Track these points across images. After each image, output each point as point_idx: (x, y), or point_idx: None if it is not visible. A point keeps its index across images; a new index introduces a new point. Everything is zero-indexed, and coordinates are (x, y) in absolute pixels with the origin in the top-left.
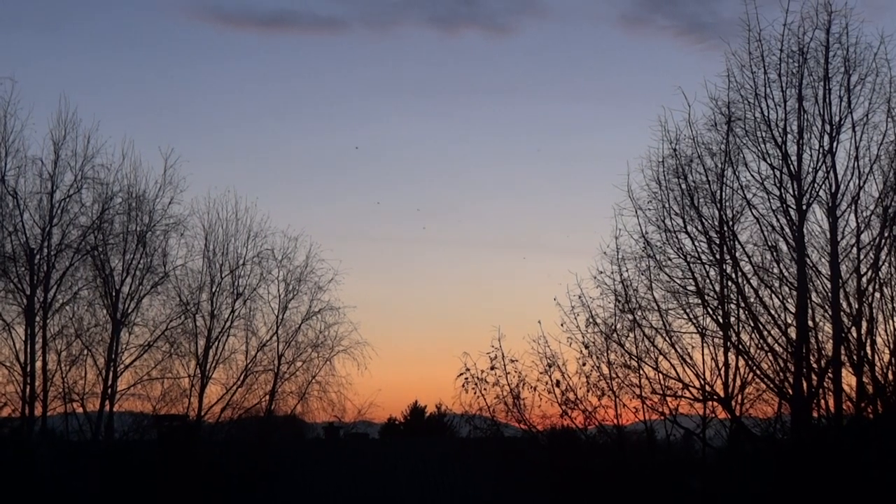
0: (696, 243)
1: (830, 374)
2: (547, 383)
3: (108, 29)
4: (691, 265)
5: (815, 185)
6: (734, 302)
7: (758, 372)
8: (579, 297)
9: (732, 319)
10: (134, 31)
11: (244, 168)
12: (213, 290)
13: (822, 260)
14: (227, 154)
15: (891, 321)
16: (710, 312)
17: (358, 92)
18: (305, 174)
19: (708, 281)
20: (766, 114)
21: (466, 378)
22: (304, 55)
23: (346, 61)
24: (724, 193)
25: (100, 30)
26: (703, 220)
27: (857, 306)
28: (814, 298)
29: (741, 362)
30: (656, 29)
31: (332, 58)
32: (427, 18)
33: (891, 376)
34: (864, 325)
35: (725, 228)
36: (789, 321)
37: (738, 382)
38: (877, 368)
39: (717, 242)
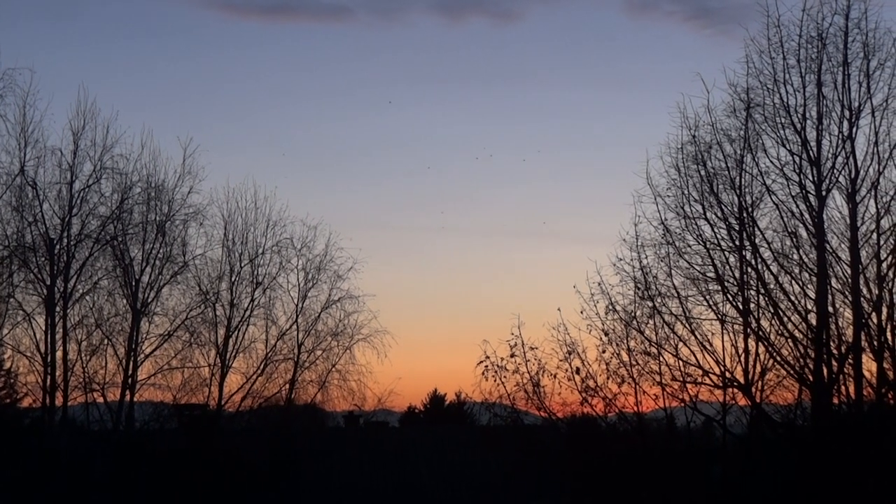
0: (716, 230)
1: (851, 360)
2: (567, 370)
3: (121, 18)
4: (711, 252)
5: (835, 170)
6: (754, 288)
7: (778, 358)
8: (599, 284)
9: (752, 306)
10: (146, 20)
11: (262, 157)
12: (233, 279)
13: (842, 246)
14: (245, 143)
15: None
16: (730, 299)
17: (365, 80)
18: (321, 163)
19: (727, 267)
20: (785, 100)
21: (486, 366)
22: (308, 43)
23: (352, 49)
24: (743, 180)
25: (114, 19)
26: (723, 207)
27: (877, 292)
28: (834, 284)
29: (761, 349)
30: (663, 14)
31: (337, 46)
32: (433, 5)
33: None
34: (885, 310)
35: (745, 215)
36: (809, 307)
37: (759, 369)
38: None
39: (737, 229)
